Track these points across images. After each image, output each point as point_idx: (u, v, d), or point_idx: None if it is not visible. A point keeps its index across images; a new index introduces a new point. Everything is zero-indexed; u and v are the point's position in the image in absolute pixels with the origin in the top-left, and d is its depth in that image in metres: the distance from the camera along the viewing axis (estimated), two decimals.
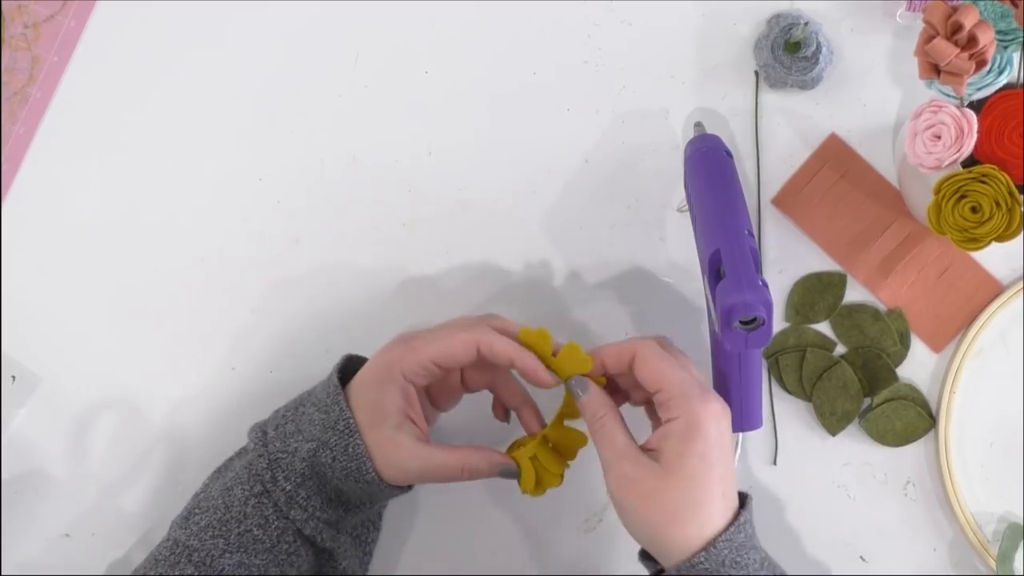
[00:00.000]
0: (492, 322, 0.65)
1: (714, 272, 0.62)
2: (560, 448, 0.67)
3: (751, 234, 0.63)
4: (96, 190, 0.78)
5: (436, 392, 0.69)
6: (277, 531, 0.64)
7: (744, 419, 0.66)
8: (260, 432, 0.66)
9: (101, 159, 0.78)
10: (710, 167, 0.68)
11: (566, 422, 0.67)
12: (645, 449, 0.61)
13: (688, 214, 0.70)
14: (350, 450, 0.63)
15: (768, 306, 0.59)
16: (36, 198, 0.78)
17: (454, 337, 0.64)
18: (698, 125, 0.73)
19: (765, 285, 0.60)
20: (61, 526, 0.77)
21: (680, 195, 0.74)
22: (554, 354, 0.65)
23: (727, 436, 0.61)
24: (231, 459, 0.70)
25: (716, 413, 0.60)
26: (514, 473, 0.65)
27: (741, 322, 0.60)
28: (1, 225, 0.78)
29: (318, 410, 0.65)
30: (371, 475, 0.63)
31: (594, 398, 0.63)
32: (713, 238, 0.63)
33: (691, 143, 0.71)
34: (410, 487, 0.68)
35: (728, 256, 0.61)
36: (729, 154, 0.69)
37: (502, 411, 0.70)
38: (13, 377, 0.77)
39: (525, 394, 0.68)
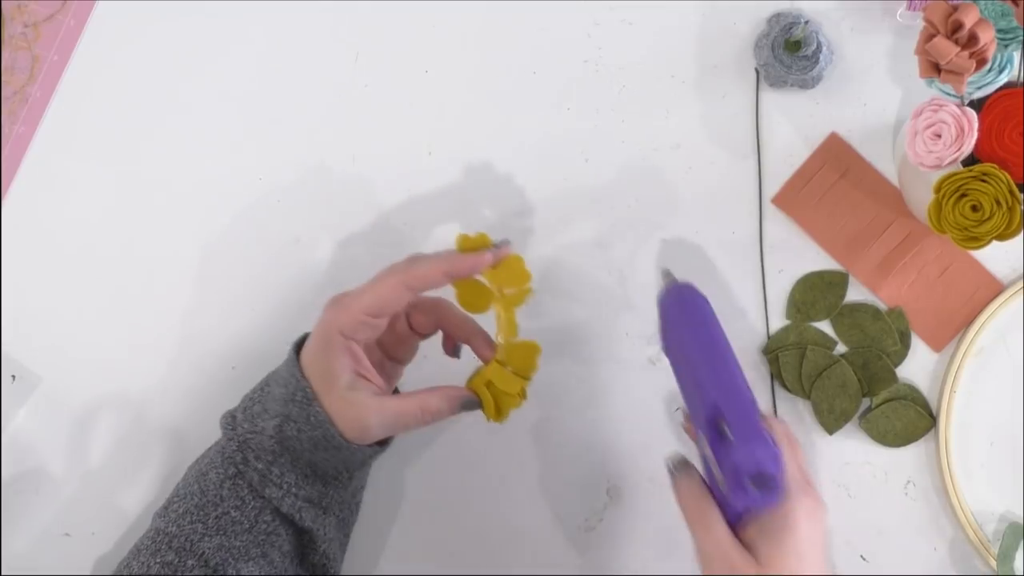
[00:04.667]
0: (415, 258, 0.65)
1: (714, 428, 0.59)
2: (517, 365, 0.66)
3: (747, 386, 0.61)
4: (96, 189, 0.78)
5: (389, 344, 0.69)
6: (254, 511, 0.64)
7: None
8: (230, 417, 0.67)
9: (101, 158, 0.78)
10: (693, 320, 0.65)
11: (514, 338, 0.66)
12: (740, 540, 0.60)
13: (667, 362, 0.67)
14: (312, 419, 0.63)
15: (779, 461, 0.58)
16: (36, 198, 0.78)
17: (381, 284, 0.64)
18: (667, 274, 0.69)
19: (774, 441, 0.58)
20: (61, 526, 0.77)
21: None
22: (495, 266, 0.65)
23: (821, 530, 0.60)
24: (208, 449, 0.70)
25: (809, 510, 0.59)
26: (475, 404, 0.65)
27: (751, 480, 0.58)
28: (1, 225, 0.78)
29: (280, 386, 0.65)
30: (337, 439, 0.63)
31: (694, 483, 0.62)
32: (712, 396, 0.60)
33: (665, 295, 0.67)
34: (384, 446, 0.68)
35: (732, 414, 0.58)
36: (705, 300, 0.66)
37: (451, 346, 0.69)
38: (13, 377, 0.77)
39: (473, 324, 0.68)
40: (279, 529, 0.65)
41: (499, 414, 0.66)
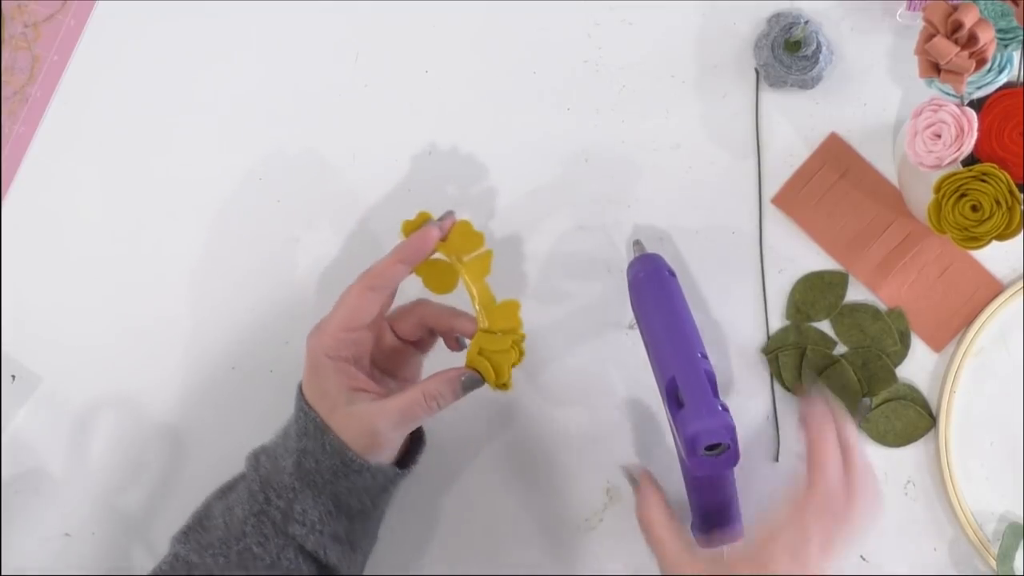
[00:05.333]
0: (371, 266, 0.66)
1: (673, 398, 0.62)
2: (502, 326, 0.66)
3: (705, 356, 0.63)
4: (96, 189, 0.78)
5: (382, 361, 0.69)
6: (277, 548, 0.64)
7: (721, 530, 0.67)
8: (254, 458, 0.67)
9: (101, 158, 0.78)
10: (655, 290, 0.68)
11: (491, 303, 0.67)
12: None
13: (639, 333, 0.70)
14: (327, 447, 0.63)
15: (731, 430, 0.60)
16: (36, 198, 0.78)
17: (347, 296, 0.65)
18: (637, 244, 0.72)
19: (725, 409, 0.60)
20: (61, 526, 0.77)
21: (629, 313, 0.73)
22: (445, 238, 0.66)
23: (803, 562, 0.61)
24: (235, 480, 0.69)
25: (787, 547, 0.61)
26: (477, 380, 0.65)
27: (706, 448, 0.60)
28: (1, 225, 0.78)
29: (293, 423, 0.66)
30: (356, 462, 0.63)
31: (647, 498, 0.66)
32: (668, 365, 0.63)
33: (632, 266, 0.70)
34: (406, 469, 0.68)
35: (685, 383, 0.61)
36: (672, 273, 0.69)
37: (454, 342, 0.70)
38: (13, 377, 0.77)
39: (452, 309, 0.69)
40: (301, 566, 0.65)
41: (499, 377, 0.65)
